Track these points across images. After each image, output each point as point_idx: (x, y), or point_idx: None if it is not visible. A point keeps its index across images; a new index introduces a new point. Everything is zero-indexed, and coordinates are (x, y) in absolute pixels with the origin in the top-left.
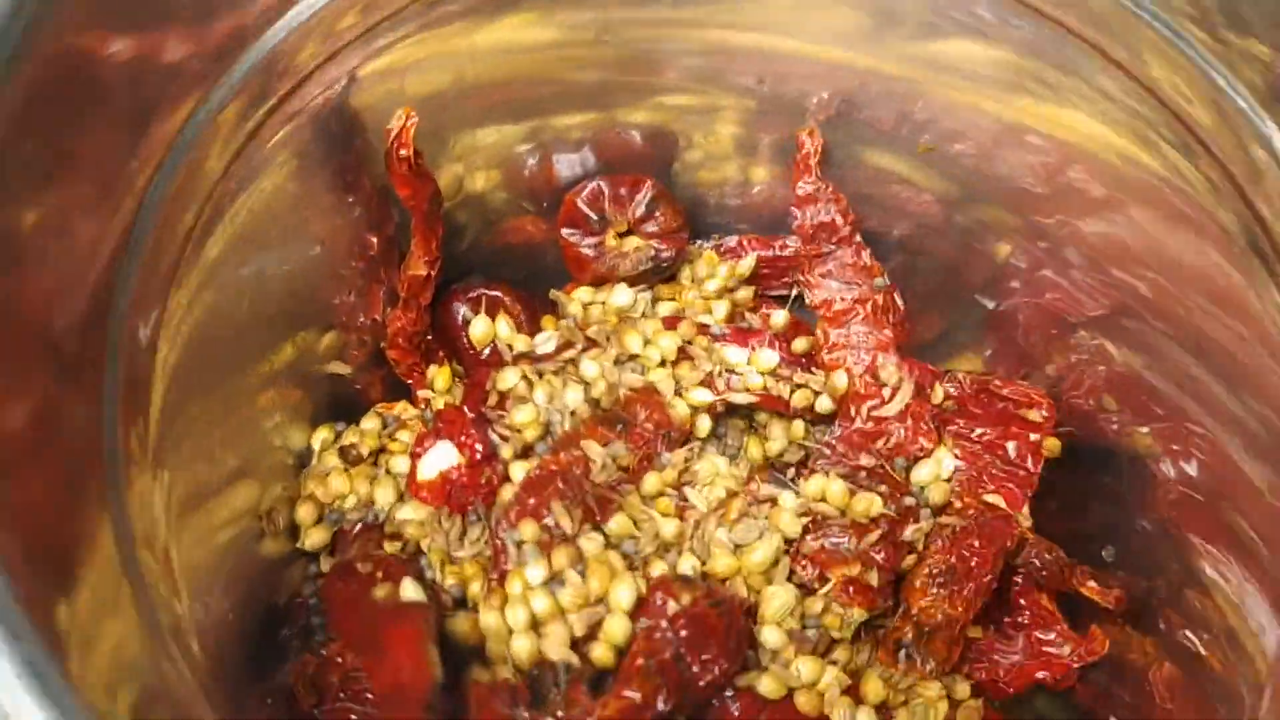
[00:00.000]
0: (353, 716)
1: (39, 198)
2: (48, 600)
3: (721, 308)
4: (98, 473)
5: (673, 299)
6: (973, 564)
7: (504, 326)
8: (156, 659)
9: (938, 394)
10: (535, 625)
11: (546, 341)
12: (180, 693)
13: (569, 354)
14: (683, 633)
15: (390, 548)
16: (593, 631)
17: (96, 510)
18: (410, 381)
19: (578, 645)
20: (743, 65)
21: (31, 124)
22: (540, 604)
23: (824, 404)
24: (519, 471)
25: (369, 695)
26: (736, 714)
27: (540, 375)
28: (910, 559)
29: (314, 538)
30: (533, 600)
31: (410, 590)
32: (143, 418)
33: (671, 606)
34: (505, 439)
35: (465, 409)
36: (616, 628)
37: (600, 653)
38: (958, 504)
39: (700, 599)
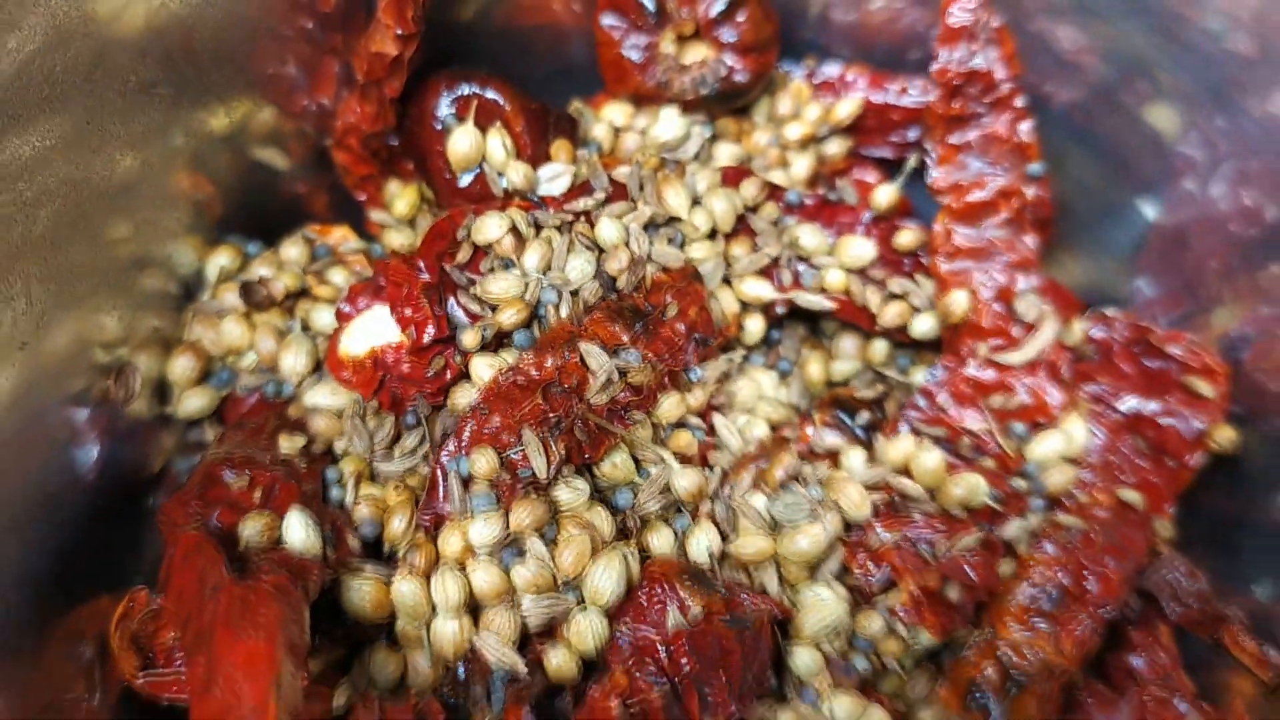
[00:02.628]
0: (186, 694)
1: None
2: None
3: (803, 164)
4: None
5: (739, 140)
6: (1091, 589)
7: (498, 147)
8: None
9: (1076, 333)
10: (471, 606)
11: (555, 177)
12: None
13: (583, 202)
14: (684, 661)
15: (288, 445)
16: (554, 627)
17: None
18: (363, 196)
19: (528, 644)
20: None
21: None
22: (483, 577)
23: (923, 326)
24: (484, 369)
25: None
26: None
27: (537, 229)
28: (1006, 566)
29: (190, 403)
30: (473, 571)
31: (296, 530)
32: None
33: (674, 618)
34: (473, 318)
35: (420, 264)
36: (589, 628)
37: (559, 662)
38: (1082, 498)
39: (716, 612)
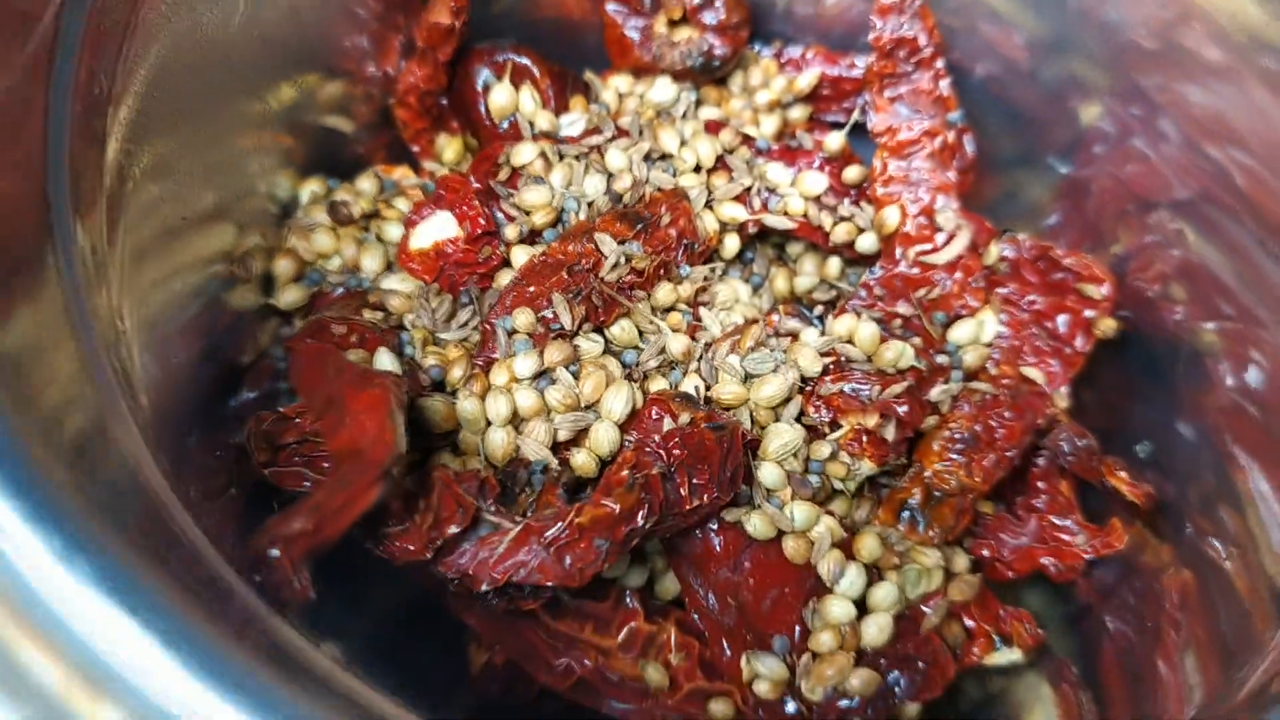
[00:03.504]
0: (306, 483)
1: None
2: None
3: (771, 123)
4: (43, 192)
5: (718, 105)
6: (997, 435)
7: (528, 99)
8: (99, 404)
9: (992, 254)
10: (516, 420)
11: (573, 123)
12: (124, 440)
13: (596, 140)
14: (675, 452)
15: (370, 316)
16: (578, 437)
17: (39, 234)
18: (417, 149)
19: (559, 449)
20: None
21: None
22: (525, 398)
23: (866, 243)
24: (521, 256)
25: (325, 463)
26: (718, 548)
27: (560, 157)
28: (932, 420)
29: (290, 295)
30: (517, 393)
31: (385, 360)
32: (101, 127)
33: (667, 424)
34: (511, 219)
35: (471, 179)
36: (604, 436)
37: (582, 460)
38: (993, 371)
39: (700, 420)
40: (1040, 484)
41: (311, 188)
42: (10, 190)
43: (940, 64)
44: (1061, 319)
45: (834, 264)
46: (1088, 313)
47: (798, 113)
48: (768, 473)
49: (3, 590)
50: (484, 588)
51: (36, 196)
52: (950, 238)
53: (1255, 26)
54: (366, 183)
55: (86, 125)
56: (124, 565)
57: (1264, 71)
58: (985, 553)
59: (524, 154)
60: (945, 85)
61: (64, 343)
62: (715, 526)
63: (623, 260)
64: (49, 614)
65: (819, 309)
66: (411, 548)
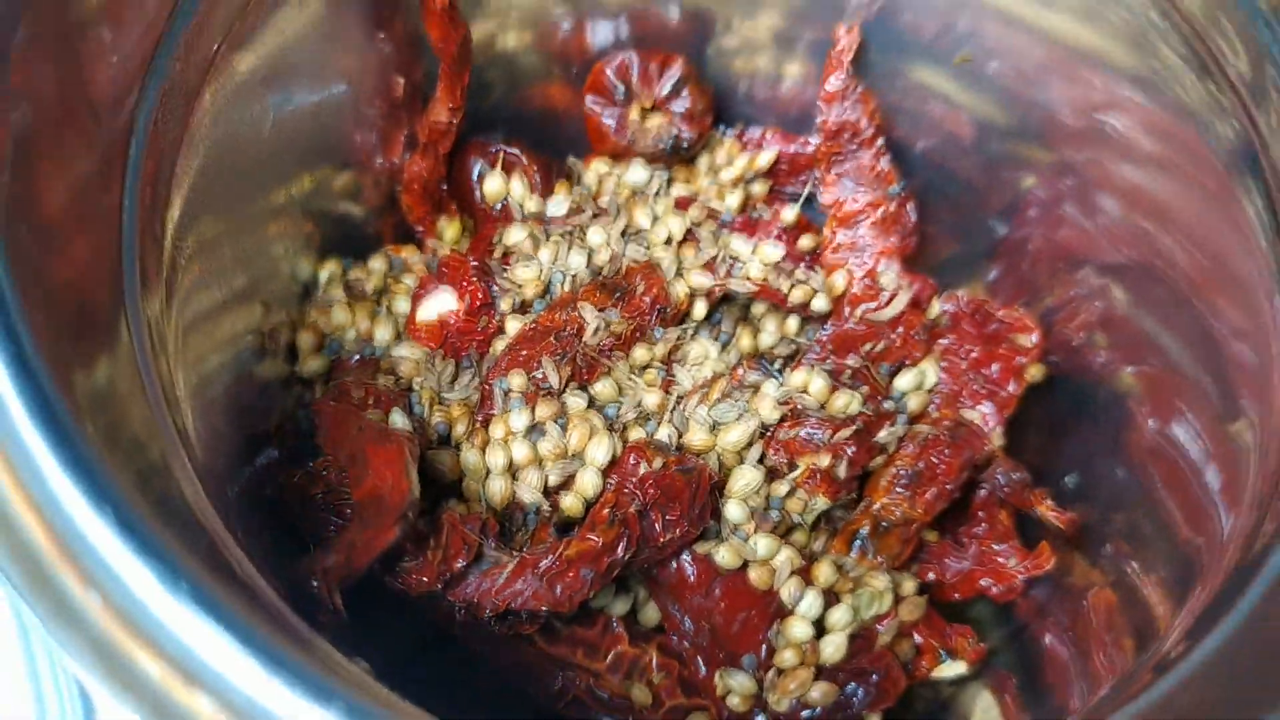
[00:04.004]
0: (332, 528)
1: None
2: (69, 372)
3: (735, 198)
4: (118, 270)
5: (687, 182)
6: (938, 471)
7: (518, 185)
8: (164, 449)
9: (934, 309)
10: (512, 469)
11: (558, 205)
12: (185, 483)
13: (578, 220)
14: (650, 492)
15: (384, 381)
16: (566, 482)
17: (115, 306)
18: (420, 230)
19: (550, 493)
20: None
21: None
22: (519, 450)
23: (820, 304)
24: (515, 325)
25: (349, 509)
26: (691, 578)
27: (547, 236)
28: (880, 459)
29: (311, 364)
30: (513, 445)
31: (399, 419)
32: (160, 221)
33: (643, 468)
34: (505, 292)
35: (470, 259)
36: (588, 481)
37: (570, 502)
38: (934, 414)
39: (671, 464)
40: (980, 513)
41: (329, 268)
42: (94, 263)
43: (880, 143)
44: (995, 366)
45: (793, 322)
46: (1019, 360)
47: (759, 187)
48: (733, 509)
49: (121, 610)
50: (487, 614)
51: (114, 271)
52: (892, 297)
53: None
54: (377, 262)
55: (150, 215)
56: (207, 587)
57: (1184, 149)
58: (931, 576)
59: (515, 235)
60: (885, 162)
61: (135, 395)
62: (689, 558)
63: (603, 326)
64: (156, 625)
65: (779, 362)
66: (425, 580)
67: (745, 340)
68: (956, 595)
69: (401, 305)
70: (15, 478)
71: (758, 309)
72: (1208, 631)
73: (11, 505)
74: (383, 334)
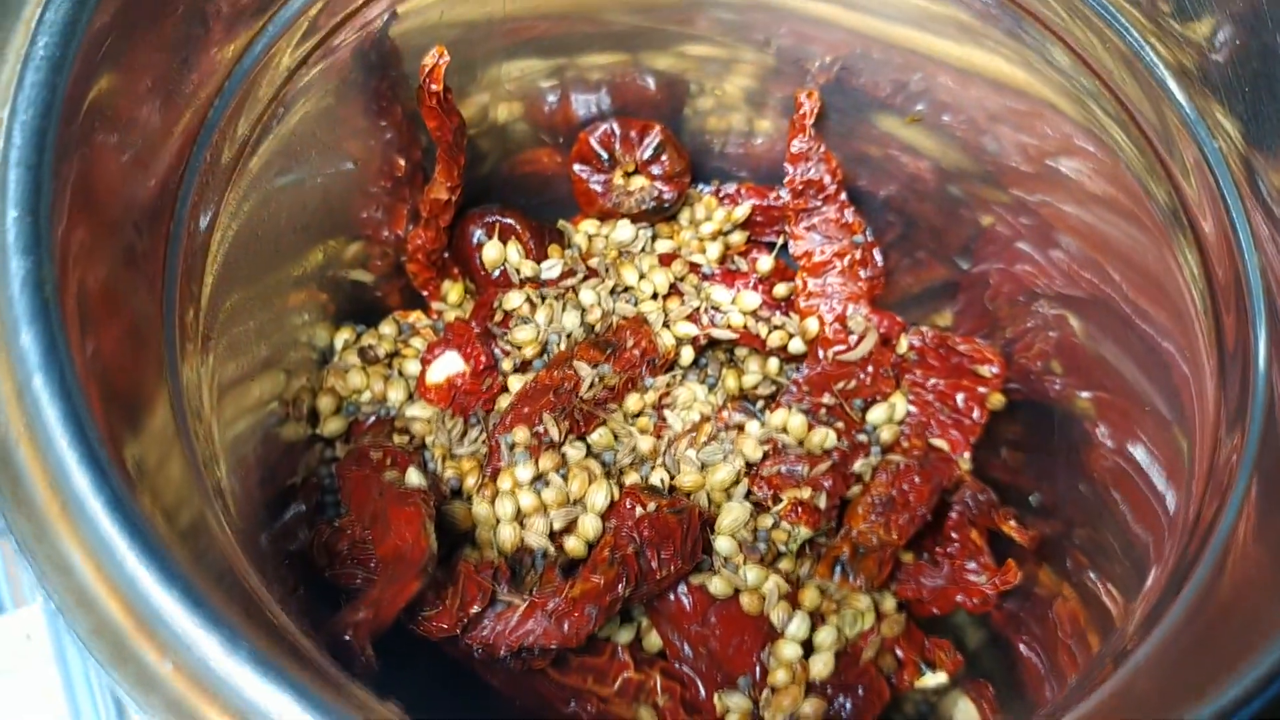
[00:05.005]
0: (358, 580)
1: (126, 108)
2: (120, 440)
3: (715, 249)
4: (159, 345)
5: (670, 237)
6: (910, 497)
7: (514, 252)
8: (202, 507)
9: (902, 345)
10: (520, 517)
11: (551, 268)
12: (221, 539)
13: (570, 281)
14: (645, 533)
15: (398, 440)
16: (569, 526)
17: (157, 378)
18: (426, 293)
19: (555, 537)
20: (767, 22)
21: (122, 46)
22: (526, 499)
23: (796, 345)
24: (516, 383)
25: (373, 562)
26: (688, 607)
27: (543, 299)
28: (856, 488)
29: (331, 426)
30: (520, 495)
31: (414, 477)
32: (195, 300)
33: (638, 511)
34: (507, 354)
35: (473, 324)
36: (589, 525)
37: (573, 545)
38: (905, 444)
39: (664, 506)
40: (953, 533)
41: (344, 336)
42: (137, 337)
43: (843, 197)
44: (960, 396)
45: (773, 363)
46: (981, 389)
47: (737, 237)
48: (723, 544)
49: (192, 673)
50: (502, 653)
51: (158, 343)
52: (860, 339)
53: (1115, 164)
54: (387, 327)
55: (186, 293)
56: (261, 649)
57: (1126, 191)
58: (910, 595)
59: (513, 300)
60: (849, 214)
61: (176, 455)
62: (685, 589)
63: (597, 381)
64: (221, 684)
65: (761, 403)
66: (444, 626)
67: (730, 381)
68: (935, 610)
69: (412, 367)
70: (98, 566)
71: (741, 352)
72: (1158, 621)
73: (95, 590)
74: (395, 395)
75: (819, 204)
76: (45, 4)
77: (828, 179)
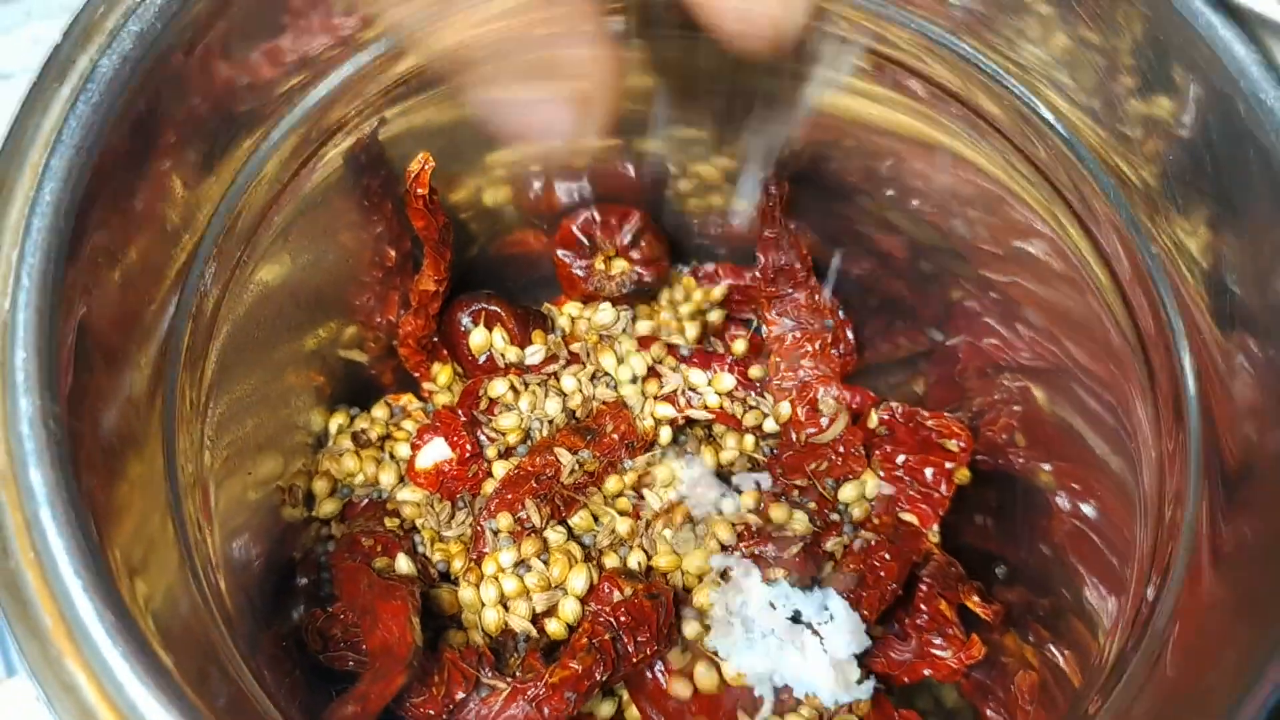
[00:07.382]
0: (350, 663)
1: (126, 244)
2: (122, 566)
3: (693, 330)
4: (157, 420)
5: (650, 318)
6: (881, 574)
7: (499, 338)
8: (190, 593)
9: (873, 420)
10: (504, 600)
11: (534, 354)
12: (207, 627)
13: (552, 367)
14: (622, 618)
15: (390, 523)
16: (550, 609)
17: (153, 451)
18: (417, 375)
19: (537, 620)
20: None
21: (122, 184)
22: (509, 584)
23: (771, 424)
24: (500, 470)
25: (364, 647)
26: (664, 684)
27: (526, 385)
28: (829, 566)
29: (326, 508)
30: (503, 580)
31: (404, 564)
32: (198, 380)
33: (616, 596)
34: (491, 440)
35: (459, 412)
36: (569, 609)
37: (555, 628)
38: (875, 520)
39: (640, 591)
40: (923, 606)
41: (338, 420)
42: (136, 415)
43: (814, 282)
44: (929, 470)
45: (749, 440)
46: (948, 464)
47: (715, 315)
48: (696, 626)
49: None
50: None
51: (158, 422)
52: (831, 421)
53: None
54: (379, 410)
55: (188, 381)
56: None
57: (1079, 272)
58: (880, 669)
59: (498, 388)
60: (820, 298)
61: (167, 539)
62: (661, 668)
63: (578, 467)
64: None
65: (735, 478)
66: (431, 712)
67: (708, 458)
68: (906, 680)
69: (403, 450)
70: (101, 688)
71: (718, 429)
72: (1115, 685)
73: (98, 710)
74: (387, 479)
75: (789, 291)
76: (51, 150)
77: (798, 265)
